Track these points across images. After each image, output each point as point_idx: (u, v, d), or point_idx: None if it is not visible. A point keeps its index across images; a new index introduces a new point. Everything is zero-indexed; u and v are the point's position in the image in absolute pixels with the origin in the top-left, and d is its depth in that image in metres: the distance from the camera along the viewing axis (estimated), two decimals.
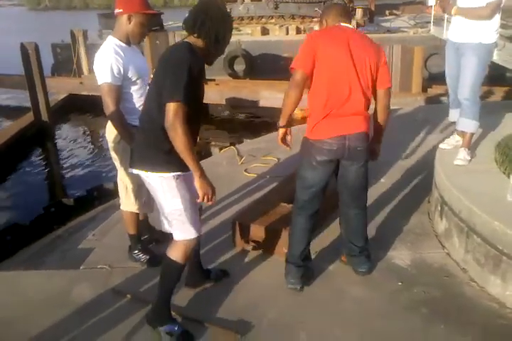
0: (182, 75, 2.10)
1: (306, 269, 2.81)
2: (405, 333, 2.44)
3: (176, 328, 2.39)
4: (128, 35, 2.81)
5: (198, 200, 2.28)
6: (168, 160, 2.23)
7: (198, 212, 2.43)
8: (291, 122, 2.77)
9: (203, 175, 2.21)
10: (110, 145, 3.01)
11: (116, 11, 2.78)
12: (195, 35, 2.26)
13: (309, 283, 2.83)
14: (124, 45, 2.82)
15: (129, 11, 2.74)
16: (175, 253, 2.35)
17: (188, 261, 2.51)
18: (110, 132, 2.97)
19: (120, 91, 2.79)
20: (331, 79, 2.54)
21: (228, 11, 2.36)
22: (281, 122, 2.72)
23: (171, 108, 2.10)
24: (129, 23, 2.76)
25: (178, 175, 2.26)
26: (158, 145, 2.23)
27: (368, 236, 2.92)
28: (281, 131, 2.73)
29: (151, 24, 2.80)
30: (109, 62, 2.73)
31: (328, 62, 2.53)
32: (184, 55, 2.16)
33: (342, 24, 2.67)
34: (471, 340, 2.37)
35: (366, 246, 2.89)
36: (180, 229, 2.34)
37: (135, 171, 2.35)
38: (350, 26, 2.72)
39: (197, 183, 2.21)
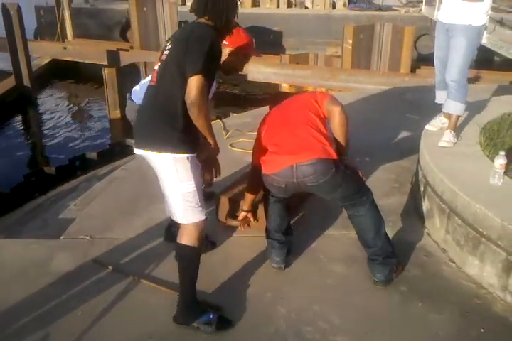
0: (204, 49, 2.06)
1: (289, 245, 2.81)
2: (383, 310, 2.49)
3: (212, 316, 2.30)
4: None
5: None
6: (183, 139, 2.15)
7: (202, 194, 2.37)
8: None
9: (218, 151, 2.27)
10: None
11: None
12: (206, 17, 2.20)
13: (291, 259, 2.85)
14: None
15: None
16: (187, 238, 2.25)
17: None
18: (131, 111, 2.96)
19: None
20: (267, 133, 2.70)
21: None
22: (246, 206, 3.02)
23: (195, 82, 2.02)
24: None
25: (191, 157, 2.20)
26: (172, 124, 2.14)
27: (384, 241, 2.63)
28: (243, 214, 3.04)
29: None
30: None
31: (263, 128, 2.75)
32: (207, 31, 2.13)
33: None
34: (447, 318, 2.43)
35: (378, 252, 2.61)
36: (191, 211, 2.25)
37: (141, 152, 2.23)
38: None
39: (207, 159, 2.28)
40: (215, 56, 2.16)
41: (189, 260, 2.30)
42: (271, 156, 2.60)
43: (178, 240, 2.28)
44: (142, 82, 3.18)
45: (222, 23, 2.21)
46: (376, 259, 2.62)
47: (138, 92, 3.08)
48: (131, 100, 3.03)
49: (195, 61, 2.05)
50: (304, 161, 2.46)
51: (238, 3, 2.27)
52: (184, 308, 2.32)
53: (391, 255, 2.66)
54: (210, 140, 2.19)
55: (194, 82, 2.03)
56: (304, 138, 2.55)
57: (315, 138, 2.54)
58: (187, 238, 2.26)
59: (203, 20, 2.23)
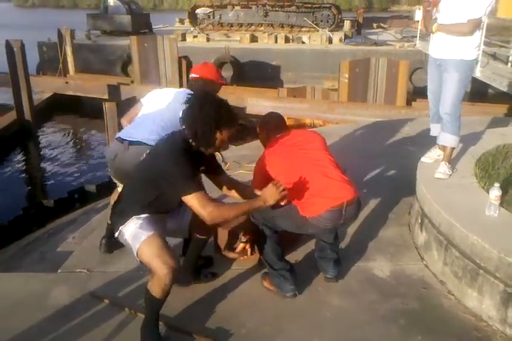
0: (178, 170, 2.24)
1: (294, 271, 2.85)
2: None
3: None
4: None
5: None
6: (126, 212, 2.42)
7: (159, 228, 2.42)
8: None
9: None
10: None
11: (193, 75, 3.20)
12: (184, 126, 2.33)
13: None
14: None
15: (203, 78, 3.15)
16: (153, 288, 2.28)
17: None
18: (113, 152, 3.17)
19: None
20: (295, 176, 2.63)
21: (217, 112, 2.28)
22: (244, 238, 3.03)
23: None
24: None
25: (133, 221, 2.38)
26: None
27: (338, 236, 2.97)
28: (241, 245, 3.05)
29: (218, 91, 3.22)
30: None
31: (284, 170, 2.68)
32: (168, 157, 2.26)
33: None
34: None
35: (336, 248, 2.94)
36: (138, 239, 2.33)
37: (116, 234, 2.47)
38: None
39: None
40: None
41: (151, 305, 2.35)
42: (311, 199, 2.62)
43: (149, 282, 2.30)
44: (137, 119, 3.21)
45: (192, 136, 2.30)
46: (332, 257, 2.89)
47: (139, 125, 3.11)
48: (119, 140, 3.10)
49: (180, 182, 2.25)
50: (350, 203, 2.62)
51: (220, 124, 2.27)
52: (142, 325, 2.40)
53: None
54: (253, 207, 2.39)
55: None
56: (340, 180, 2.66)
57: (346, 179, 2.70)
58: (152, 287, 2.27)
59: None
